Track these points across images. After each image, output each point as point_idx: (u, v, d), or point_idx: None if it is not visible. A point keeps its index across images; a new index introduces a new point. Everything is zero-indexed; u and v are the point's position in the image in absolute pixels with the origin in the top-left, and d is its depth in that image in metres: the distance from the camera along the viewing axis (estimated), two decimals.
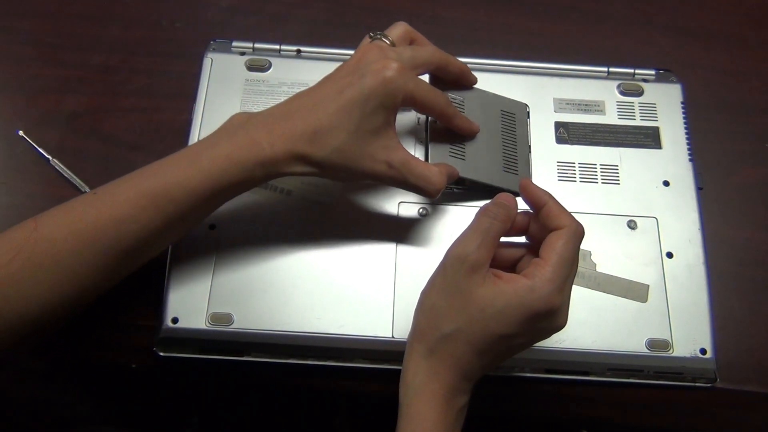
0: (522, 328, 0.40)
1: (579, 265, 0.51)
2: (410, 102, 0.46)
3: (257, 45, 0.59)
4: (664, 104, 0.58)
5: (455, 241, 0.42)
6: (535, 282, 0.39)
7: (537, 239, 0.43)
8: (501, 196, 0.43)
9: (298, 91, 0.56)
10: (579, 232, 0.42)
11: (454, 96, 0.53)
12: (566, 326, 0.49)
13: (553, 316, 0.40)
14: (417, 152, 0.54)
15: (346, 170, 0.45)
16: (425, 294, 0.43)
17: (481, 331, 0.39)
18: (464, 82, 0.53)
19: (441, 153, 0.51)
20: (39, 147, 0.56)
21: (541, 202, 0.43)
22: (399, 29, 0.49)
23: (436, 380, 0.40)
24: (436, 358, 0.40)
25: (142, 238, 0.42)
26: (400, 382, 0.41)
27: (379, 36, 0.48)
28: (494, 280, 0.40)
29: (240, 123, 0.44)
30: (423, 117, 0.55)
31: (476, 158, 0.52)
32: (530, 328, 0.40)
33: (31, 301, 0.40)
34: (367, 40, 0.48)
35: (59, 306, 0.41)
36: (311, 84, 0.56)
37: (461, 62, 0.51)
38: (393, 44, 0.47)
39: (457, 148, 0.52)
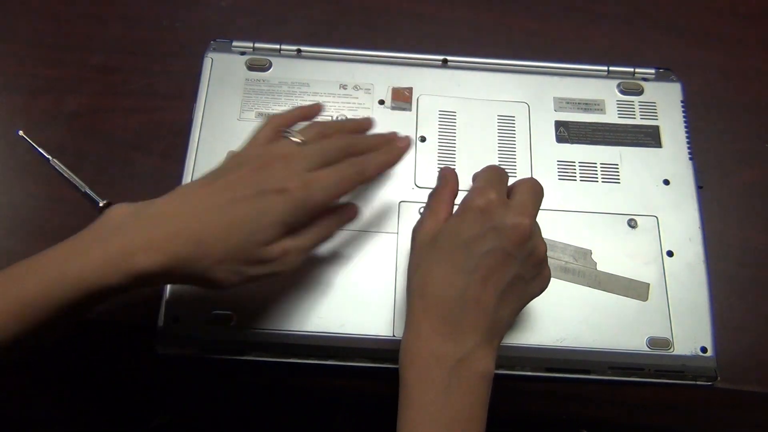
0: (475, 228, 0.41)
1: (580, 263, 0.51)
2: (321, 208, 0.43)
3: (257, 45, 0.59)
4: (664, 103, 0.58)
5: (417, 223, 0.45)
6: (466, 196, 0.43)
7: None
8: (445, 170, 0.47)
9: (298, 90, 0.57)
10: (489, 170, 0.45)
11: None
12: (566, 325, 0.49)
13: (497, 210, 0.42)
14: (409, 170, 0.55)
15: (233, 275, 0.40)
16: (409, 266, 0.44)
17: (446, 249, 0.41)
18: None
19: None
20: (39, 147, 0.56)
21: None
22: (311, 131, 0.45)
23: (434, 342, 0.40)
24: (451, 323, 0.40)
25: (5, 347, 0.37)
26: (406, 363, 0.40)
27: (286, 135, 0.44)
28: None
29: (116, 224, 0.39)
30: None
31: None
32: (484, 226, 0.41)
33: None
34: (268, 131, 0.45)
35: None
36: (311, 84, 0.57)
37: (376, 136, 0.49)
38: (303, 142, 0.44)
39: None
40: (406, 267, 0.50)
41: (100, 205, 0.53)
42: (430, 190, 0.46)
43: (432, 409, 0.39)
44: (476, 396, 0.40)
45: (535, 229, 0.42)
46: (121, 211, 0.40)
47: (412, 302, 0.42)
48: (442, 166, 0.54)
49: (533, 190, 0.44)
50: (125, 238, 0.38)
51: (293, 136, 0.44)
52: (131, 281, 0.37)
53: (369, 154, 0.46)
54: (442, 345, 0.40)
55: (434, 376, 0.39)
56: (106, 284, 0.37)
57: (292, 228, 0.41)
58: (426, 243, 0.43)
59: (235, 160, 0.43)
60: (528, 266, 0.42)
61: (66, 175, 0.55)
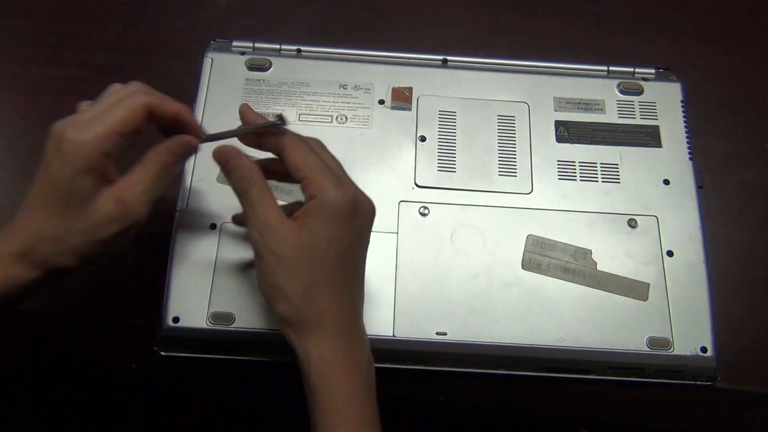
0: (349, 234, 0.40)
1: (580, 263, 0.51)
2: (115, 143, 0.39)
3: (257, 45, 0.59)
4: (664, 103, 0.58)
5: (254, 232, 0.40)
6: (320, 197, 0.39)
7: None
8: (224, 152, 0.42)
9: (298, 90, 0.57)
10: (296, 141, 0.41)
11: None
12: (566, 324, 0.49)
13: (359, 204, 0.40)
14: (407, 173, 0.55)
15: (88, 246, 0.40)
16: (288, 290, 0.40)
17: (333, 269, 0.39)
18: (186, 129, 0.44)
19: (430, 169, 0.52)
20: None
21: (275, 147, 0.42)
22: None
23: (324, 344, 0.40)
24: (309, 325, 0.40)
25: None
26: (324, 371, 0.40)
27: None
28: (298, 226, 0.40)
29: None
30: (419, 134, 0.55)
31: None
32: (354, 229, 0.40)
33: None
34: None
35: None
36: (311, 83, 0.57)
37: (177, 104, 0.44)
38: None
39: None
40: (406, 267, 0.50)
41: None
42: (232, 182, 0.42)
43: (361, 418, 0.39)
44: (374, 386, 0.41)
45: (355, 190, 0.41)
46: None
47: (310, 328, 0.40)
48: (441, 166, 0.54)
49: (335, 158, 0.43)
50: None
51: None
52: (8, 295, 0.39)
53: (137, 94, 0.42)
54: (355, 353, 0.40)
55: (358, 383, 0.39)
56: None
57: (99, 171, 0.39)
58: (293, 256, 0.39)
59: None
60: (356, 230, 0.41)
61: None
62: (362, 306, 0.43)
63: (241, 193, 0.41)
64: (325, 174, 0.40)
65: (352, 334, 0.41)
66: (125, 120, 0.40)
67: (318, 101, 0.56)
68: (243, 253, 0.50)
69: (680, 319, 0.50)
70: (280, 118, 0.41)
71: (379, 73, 0.58)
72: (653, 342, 0.49)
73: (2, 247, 0.39)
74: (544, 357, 0.49)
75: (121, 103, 0.40)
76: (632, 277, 0.51)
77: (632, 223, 0.53)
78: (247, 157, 0.42)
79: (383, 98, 0.57)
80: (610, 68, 0.60)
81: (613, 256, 0.52)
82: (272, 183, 0.43)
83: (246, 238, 0.51)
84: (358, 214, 0.40)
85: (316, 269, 0.39)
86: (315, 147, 0.42)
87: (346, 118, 0.56)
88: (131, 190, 0.40)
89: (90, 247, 0.39)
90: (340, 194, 0.39)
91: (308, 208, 0.39)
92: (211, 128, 0.54)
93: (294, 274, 0.39)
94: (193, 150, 0.44)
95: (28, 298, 0.40)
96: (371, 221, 0.42)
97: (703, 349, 0.50)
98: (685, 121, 0.57)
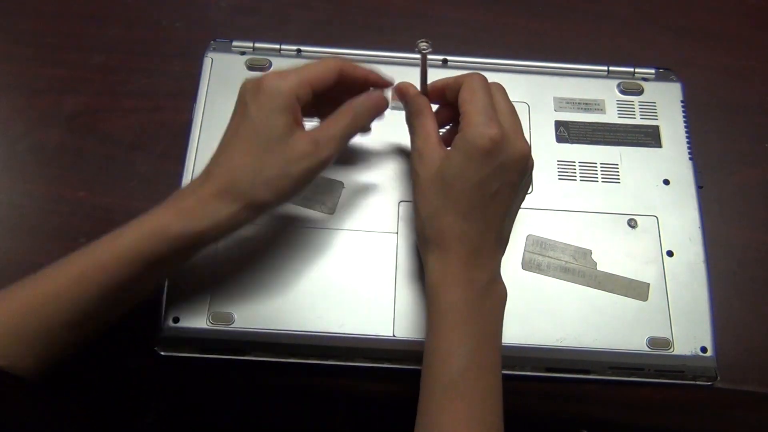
0: (484, 170, 0.42)
1: (580, 263, 0.51)
2: (306, 92, 0.44)
3: (257, 45, 0.59)
4: (664, 103, 0.58)
5: (412, 156, 0.46)
6: (465, 130, 0.43)
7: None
8: (403, 88, 0.48)
9: None
10: (472, 81, 0.45)
11: None
12: (566, 324, 0.49)
13: (503, 145, 0.42)
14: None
15: (282, 181, 0.43)
16: (420, 209, 0.45)
17: (459, 196, 0.43)
18: (374, 84, 0.48)
19: None
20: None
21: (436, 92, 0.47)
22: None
23: (450, 266, 0.43)
24: (443, 247, 0.43)
25: (81, 310, 0.42)
26: (439, 290, 0.43)
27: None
28: (444, 155, 0.44)
29: (173, 194, 0.44)
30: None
31: None
32: (491, 166, 0.42)
33: None
34: None
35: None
36: None
37: (366, 69, 0.48)
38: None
39: None
40: (406, 267, 0.51)
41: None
42: (405, 114, 0.48)
43: (466, 327, 0.42)
44: (498, 316, 0.44)
45: (503, 132, 0.43)
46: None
47: (432, 246, 0.44)
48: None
49: (510, 104, 0.45)
50: (178, 199, 0.43)
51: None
52: (219, 227, 0.42)
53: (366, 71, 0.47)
54: (471, 271, 0.43)
55: (468, 296, 0.42)
56: (156, 244, 0.42)
57: (294, 114, 0.43)
58: (430, 180, 0.43)
59: None
60: (525, 181, 0.45)
61: None
62: (500, 238, 0.45)
63: (410, 122, 0.47)
64: (481, 113, 0.43)
65: (473, 259, 0.43)
66: (319, 75, 0.44)
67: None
68: (243, 253, 0.50)
69: (680, 319, 0.50)
70: (426, 44, 0.45)
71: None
72: (653, 342, 0.49)
73: (204, 189, 0.43)
74: (544, 357, 0.49)
75: (318, 63, 0.45)
76: (632, 277, 0.51)
77: (632, 223, 0.53)
78: (420, 94, 0.47)
79: None
80: (610, 68, 0.60)
81: (613, 256, 0.52)
82: None
83: (246, 238, 0.51)
84: (497, 155, 0.42)
85: (443, 194, 0.43)
86: (492, 89, 0.45)
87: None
88: (324, 133, 0.44)
89: (283, 182, 0.43)
90: (481, 132, 0.42)
91: (454, 140, 0.43)
92: (210, 128, 0.55)
93: (426, 196, 0.44)
94: (383, 107, 0.48)
95: (228, 232, 0.44)
96: (519, 166, 0.43)
97: (703, 349, 0.50)
98: (685, 121, 0.57)
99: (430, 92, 0.48)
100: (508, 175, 0.43)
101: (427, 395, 0.42)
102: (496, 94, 0.45)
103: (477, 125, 0.42)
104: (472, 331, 0.42)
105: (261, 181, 0.42)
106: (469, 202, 0.42)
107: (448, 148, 0.44)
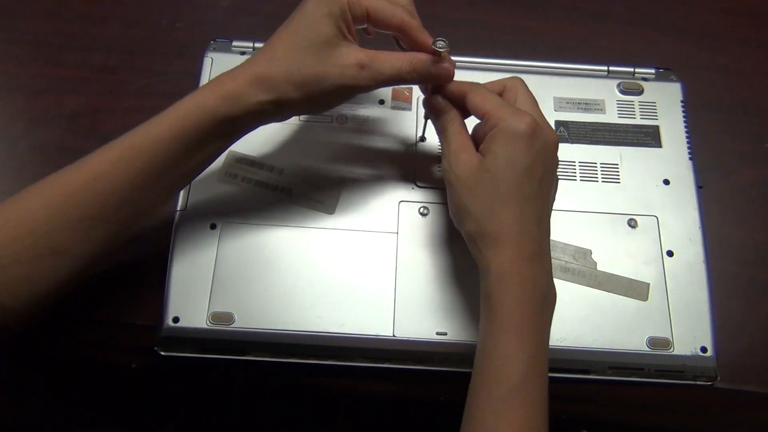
0: (531, 153, 0.43)
1: (580, 263, 0.51)
2: (359, 9, 0.45)
3: (257, 45, 0.59)
4: (664, 103, 0.58)
5: (445, 162, 0.46)
6: (499, 125, 0.43)
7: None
8: (433, 101, 0.48)
9: None
10: (474, 87, 0.46)
11: None
12: (566, 324, 0.49)
13: (539, 130, 0.43)
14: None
15: (313, 85, 0.44)
16: (470, 208, 0.44)
17: (510, 187, 0.43)
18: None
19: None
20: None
21: (460, 97, 0.47)
22: None
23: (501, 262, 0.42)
24: (497, 243, 0.43)
25: (118, 194, 0.42)
26: (502, 286, 0.42)
27: None
28: (481, 153, 0.44)
29: (218, 75, 0.45)
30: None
31: None
32: (535, 149, 0.43)
33: (17, 273, 0.41)
34: None
35: (43, 273, 0.41)
36: None
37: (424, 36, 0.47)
38: None
39: None
40: (406, 267, 0.51)
41: None
42: (436, 125, 0.48)
43: (527, 333, 0.41)
44: (550, 322, 0.44)
45: (534, 117, 0.44)
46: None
47: (491, 242, 0.43)
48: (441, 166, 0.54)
49: (531, 96, 0.47)
50: (215, 79, 0.44)
51: None
52: (221, 105, 0.43)
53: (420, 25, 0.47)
54: (533, 267, 0.42)
55: (530, 297, 0.42)
56: (196, 115, 0.43)
57: (345, 24, 0.44)
58: (474, 178, 0.44)
59: None
60: (547, 159, 0.45)
61: None
62: (548, 230, 0.45)
63: (440, 132, 0.48)
64: (502, 106, 0.44)
65: (533, 250, 0.43)
66: (383, 12, 0.45)
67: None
68: (243, 253, 0.50)
69: (680, 319, 0.50)
70: (444, 42, 0.45)
71: None
72: (653, 342, 0.49)
73: (243, 74, 0.43)
74: None
75: (388, 4, 0.46)
76: (632, 277, 0.51)
77: (632, 223, 0.53)
78: (449, 104, 0.47)
79: (383, 98, 0.57)
80: (610, 68, 0.60)
81: (613, 256, 0.52)
82: None
83: (245, 239, 0.51)
84: (538, 137, 0.43)
85: (495, 187, 0.43)
86: (514, 85, 0.47)
87: (346, 118, 0.56)
88: (374, 62, 0.44)
89: (314, 87, 0.44)
90: (517, 119, 0.43)
91: (489, 137, 0.43)
92: None
93: (475, 194, 0.43)
94: (446, 78, 0.47)
95: (257, 122, 0.45)
96: (552, 148, 0.44)
97: (703, 349, 0.50)
98: (685, 121, 0.57)
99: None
100: (549, 160, 0.44)
101: (481, 401, 0.41)
102: (518, 90, 0.46)
103: (508, 116, 0.43)
104: (531, 337, 0.41)
105: (294, 80, 0.43)
106: (521, 191, 0.43)
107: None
